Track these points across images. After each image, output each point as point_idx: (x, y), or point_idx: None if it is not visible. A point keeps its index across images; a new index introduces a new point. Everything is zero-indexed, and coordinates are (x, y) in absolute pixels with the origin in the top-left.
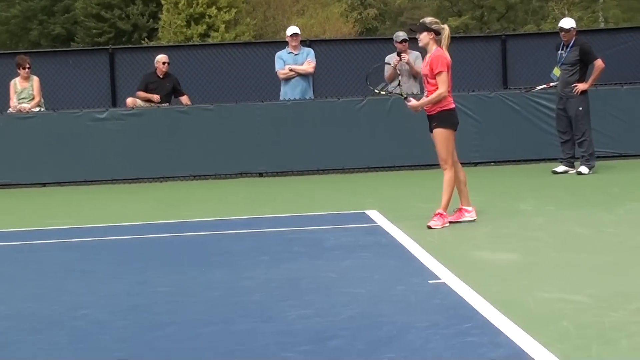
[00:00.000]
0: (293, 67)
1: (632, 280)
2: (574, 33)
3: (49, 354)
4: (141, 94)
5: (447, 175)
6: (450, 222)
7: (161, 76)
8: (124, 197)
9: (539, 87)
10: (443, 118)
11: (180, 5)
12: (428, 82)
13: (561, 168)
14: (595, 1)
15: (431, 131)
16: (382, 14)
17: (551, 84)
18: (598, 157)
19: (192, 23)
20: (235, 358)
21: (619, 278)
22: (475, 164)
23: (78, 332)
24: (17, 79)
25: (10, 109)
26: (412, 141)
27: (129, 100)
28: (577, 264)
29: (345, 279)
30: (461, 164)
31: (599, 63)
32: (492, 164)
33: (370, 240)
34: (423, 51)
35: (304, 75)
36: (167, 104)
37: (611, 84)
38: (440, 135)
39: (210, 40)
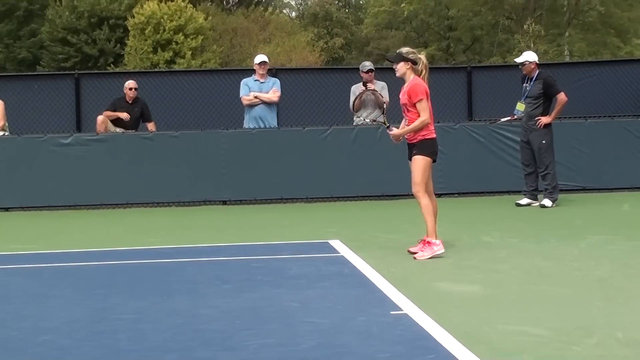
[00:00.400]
0: (258, 94)
1: (593, 314)
2: (534, 66)
3: None
4: (109, 112)
5: (423, 201)
6: (409, 252)
7: (130, 102)
8: (87, 223)
9: (502, 120)
10: (424, 146)
11: (146, 31)
12: (408, 111)
13: (524, 201)
14: (560, 35)
15: (410, 158)
16: (349, 44)
17: (515, 117)
18: (562, 190)
19: (159, 49)
20: None
21: (580, 311)
22: (440, 195)
23: (39, 359)
24: None
25: None
26: (376, 171)
27: (100, 118)
28: (540, 297)
29: (308, 308)
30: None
31: (561, 97)
32: (457, 195)
33: (333, 270)
34: (390, 81)
35: (268, 104)
36: (134, 130)
37: (575, 117)
38: (419, 162)
39: (176, 67)
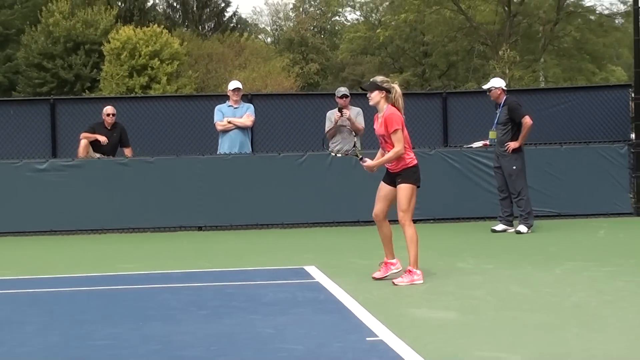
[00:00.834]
0: (232, 119)
1: (569, 341)
2: (500, 92)
3: None
4: (87, 134)
5: (409, 231)
6: (376, 279)
7: (108, 127)
8: (62, 248)
9: (475, 145)
10: (408, 174)
11: (122, 56)
12: (385, 142)
13: (500, 227)
14: (536, 61)
15: (387, 182)
16: (324, 69)
17: (488, 143)
18: (537, 216)
19: (135, 74)
20: None
21: (556, 338)
22: (415, 221)
23: None
24: None
25: None
26: (352, 197)
27: (83, 142)
28: (515, 323)
29: (283, 334)
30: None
31: (526, 120)
32: (432, 221)
33: (309, 296)
34: (365, 107)
35: (242, 129)
36: (112, 156)
37: (551, 143)
38: (405, 189)
39: (152, 92)
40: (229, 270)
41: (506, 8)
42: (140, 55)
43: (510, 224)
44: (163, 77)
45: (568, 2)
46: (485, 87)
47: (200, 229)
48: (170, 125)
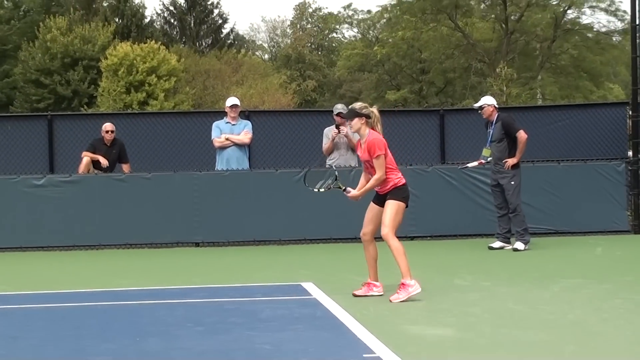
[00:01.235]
0: (229, 136)
1: (564, 358)
2: (492, 110)
3: None
4: (89, 154)
5: (394, 243)
6: (357, 296)
7: (108, 144)
8: (58, 264)
9: (470, 165)
10: (396, 193)
11: (120, 72)
12: (370, 167)
13: (497, 244)
14: (533, 78)
15: (376, 202)
16: (321, 86)
17: (484, 162)
18: (534, 233)
19: (132, 90)
20: None
21: (553, 356)
22: (412, 238)
23: None
24: None
25: None
26: (349, 214)
27: (86, 160)
28: (512, 341)
29: (280, 351)
30: (398, 237)
31: (521, 134)
32: (429, 238)
33: (306, 313)
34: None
35: (239, 145)
36: (111, 171)
37: (548, 160)
38: (392, 205)
39: (149, 108)
40: (226, 286)
41: (503, 25)
42: (137, 72)
43: (507, 241)
44: (160, 93)
45: (565, 19)
46: (476, 105)
47: (197, 245)
48: (167, 142)
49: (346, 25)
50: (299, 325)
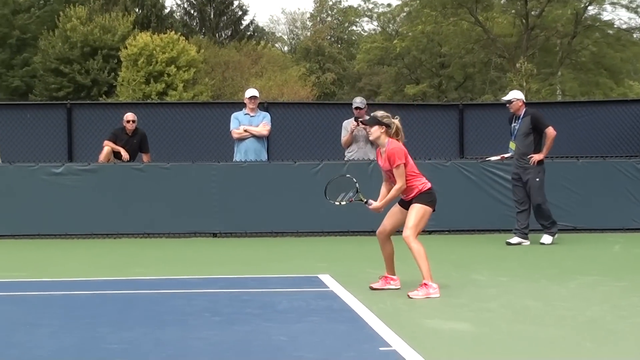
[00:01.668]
0: (248, 127)
1: (582, 356)
2: (520, 104)
3: None
4: (111, 144)
5: (415, 246)
6: (373, 289)
7: (129, 134)
8: (77, 252)
9: (492, 159)
10: (423, 198)
11: (139, 62)
12: (392, 176)
13: (515, 239)
14: (553, 74)
15: (401, 205)
16: (340, 79)
17: (505, 156)
18: None
19: (151, 80)
20: None
21: (569, 353)
22: (430, 232)
23: None
24: None
25: None
26: (366, 207)
27: (107, 149)
28: (528, 337)
29: (296, 342)
30: None
31: (550, 131)
32: (447, 232)
33: (322, 305)
34: None
35: (258, 137)
36: (132, 161)
37: (567, 157)
38: (418, 209)
39: (168, 99)
40: (243, 277)
41: (524, 21)
42: (157, 62)
43: (525, 237)
44: (179, 84)
45: (586, 15)
46: (505, 98)
47: (215, 235)
48: (186, 132)
49: (366, 19)
50: (316, 317)
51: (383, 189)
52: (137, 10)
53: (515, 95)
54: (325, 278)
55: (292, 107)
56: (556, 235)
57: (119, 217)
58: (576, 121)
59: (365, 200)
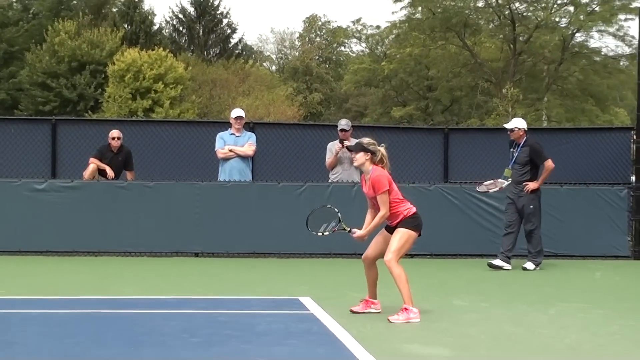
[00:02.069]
0: (233, 147)
1: None
2: (522, 133)
3: None
4: (96, 161)
5: (396, 270)
6: (354, 312)
7: (114, 151)
8: (57, 269)
9: (491, 191)
10: (407, 222)
11: (126, 78)
12: (376, 202)
13: (498, 262)
14: (539, 100)
15: (387, 229)
16: (328, 99)
17: (502, 187)
18: None
19: (138, 97)
20: None
21: None
22: (412, 256)
23: None
24: None
25: None
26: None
27: (92, 167)
28: None
29: None
30: None
31: (548, 164)
32: (429, 256)
33: (302, 328)
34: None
35: (243, 157)
36: (116, 178)
37: (551, 183)
38: (403, 233)
39: (154, 115)
40: (223, 298)
41: (511, 46)
42: (144, 78)
43: (508, 261)
44: (166, 100)
45: (573, 42)
46: (507, 126)
47: (196, 255)
48: (171, 150)
49: (354, 40)
50: (295, 340)
51: (368, 217)
52: (125, 26)
53: (517, 124)
54: (306, 300)
55: (277, 127)
56: (540, 266)
57: (101, 234)
58: (560, 147)
59: (348, 229)
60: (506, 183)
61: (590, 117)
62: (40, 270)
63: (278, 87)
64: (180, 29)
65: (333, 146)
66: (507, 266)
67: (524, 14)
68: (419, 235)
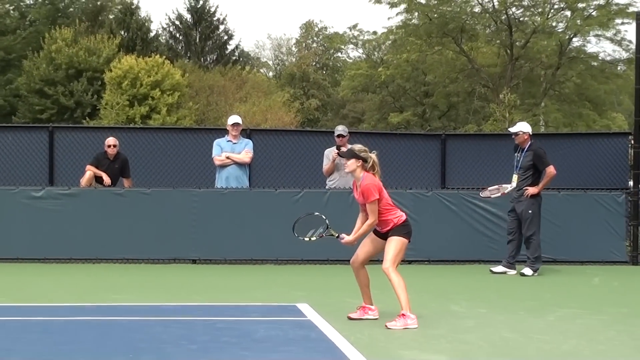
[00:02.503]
0: (230, 154)
1: None
2: (526, 137)
3: None
4: (93, 168)
5: (394, 278)
6: (352, 319)
7: (111, 158)
8: (55, 277)
9: (492, 196)
10: (399, 230)
11: (124, 85)
12: (365, 209)
13: (499, 268)
14: (536, 105)
15: (383, 239)
16: (325, 105)
17: (505, 193)
18: None
19: (135, 103)
20: None
21: None
22: (410, 262)
23: None
24: None
25: None
26: (347, 235)
27: (89, 174)
28: None
29: None
30: None
31: (550, 170)
32: (427, 262)
33: (300, 334)
34: (363, 145)
35: (240, 164)
36: (113, 185)
37: (549, 189)
38: (395, 242)
39: (152, 122)
40: (221, 305)
41: (508, 51)
42: (141, 85)
43: (512, 266)
44: (163, 107)
45: (571, 47)
46: (512, 130)
47: (194, 262)
48: (168, 157)
49: (351, 46)
50: (293, 347)
51: (358, 222)
52: (122, 33)
53: (521, 127)
54: (304, 307)
55: (274, 133)
56: (538, 272)
57: (99, 242)
58: (558, 153)
59: (337, 235)
60: (509, 188)
61: (588, 122)
62: (39, 277)
63: (275, 93)
64: (177, 35)
65: (330, 153)
66: (511, 272)
67: (521, 19)
68: (409, 242)
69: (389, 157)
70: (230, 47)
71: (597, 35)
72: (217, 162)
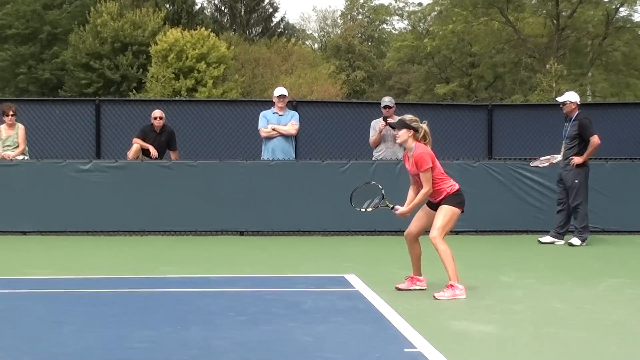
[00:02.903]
0: (276, 126)
1: (607, 358)
2: (574, 107)
3: None
4: (140, 141)
5: (441, 247)
6: (399, 289)
7: (157, 131)
8: (103, 249)
9: (541, 165)
10: (451, 199)
11: (169, 58)
12: (419, 179)
13: (547, 238)
14: (583, 75)
15: (430, 207)
16: (370, 77)
17: (553, 162)
18: None
19: (181, 76)
20: None
21: (595, 356)
22: (457, 233)
23: None
24: (3, 126)
25: None
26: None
27: (136, 146)
28: (554, 339)
29: (321, 343)
30: None
31: (594, 139)
32: (474, 233)
33: (348, 305)
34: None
35: (286, 136)
36: (159, 158)
37: (596, 159)
38: (446, 210)
39: (197, 95)
40: (268, 276)
41: (555, 21)
42: (187, 58)
43: (560, 237)
44: (209, 80)
45: (617, 17)
46: (560, 99)
47: (241, 233)
48: (214, 130)
49: (397, 17)
50: (341, 317)
51: (410, 193)
52: (167, 6)
53: (569, 97)
54: (351, 278)
55: (320, 105)
56: (586, 242)
57: (146, 214)
58: (605, 123)
59: (391, 206)
60: (559, 158)
61: (636, 92)
62: (86, 250)
63: (320, 65)
64: (222, 8)
65: (377, 124)
66: (559, 242)
67: None
68: (462, 212)
69: (436, 128)
70: (275, 20)
71: None
72: (263, 134)
